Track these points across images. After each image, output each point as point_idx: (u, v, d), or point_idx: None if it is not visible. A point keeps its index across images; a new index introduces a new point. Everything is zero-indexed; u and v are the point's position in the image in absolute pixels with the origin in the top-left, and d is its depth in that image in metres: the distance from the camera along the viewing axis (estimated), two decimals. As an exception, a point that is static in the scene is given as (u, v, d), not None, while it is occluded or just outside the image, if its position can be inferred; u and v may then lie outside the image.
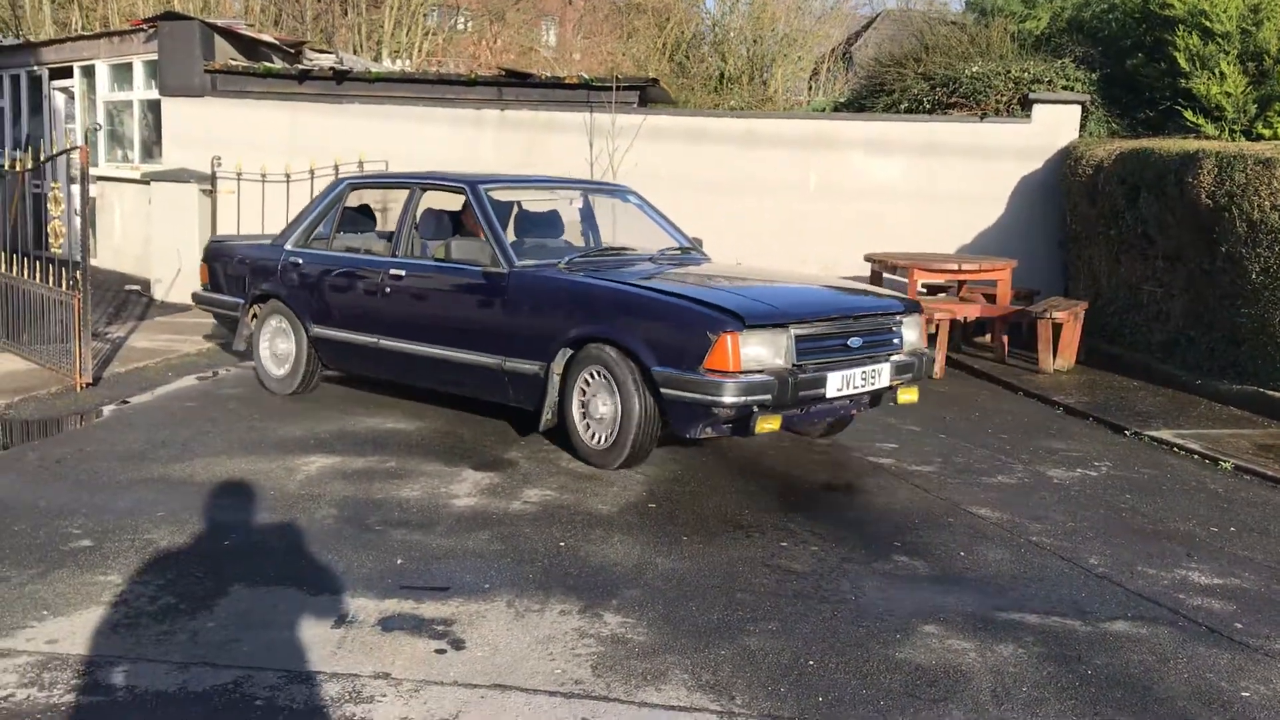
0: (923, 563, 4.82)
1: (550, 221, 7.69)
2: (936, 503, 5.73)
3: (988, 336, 10.76)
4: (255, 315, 8.00)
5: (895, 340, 6.22)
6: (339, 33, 22.27)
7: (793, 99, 23.08)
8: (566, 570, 4.55)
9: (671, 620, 4.07)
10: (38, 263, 8.39)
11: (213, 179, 12.14)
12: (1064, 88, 11.97)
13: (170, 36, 12.53)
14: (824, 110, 17.13)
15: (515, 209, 7.56)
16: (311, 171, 11.97)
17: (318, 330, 7.51)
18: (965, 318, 10.20)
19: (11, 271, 8.70)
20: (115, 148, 14.43)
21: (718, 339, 5.42)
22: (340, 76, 12.58)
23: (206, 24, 12.82)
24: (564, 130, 12.18)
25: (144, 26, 13.39)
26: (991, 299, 10.38)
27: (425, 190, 7.37)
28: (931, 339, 9.84)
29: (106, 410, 7.33)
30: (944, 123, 12.15)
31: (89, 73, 14.44)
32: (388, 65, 18.64)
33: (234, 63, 12.64)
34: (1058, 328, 9.55)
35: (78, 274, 7.76)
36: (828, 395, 5.76)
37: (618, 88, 11.97)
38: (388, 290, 7.05)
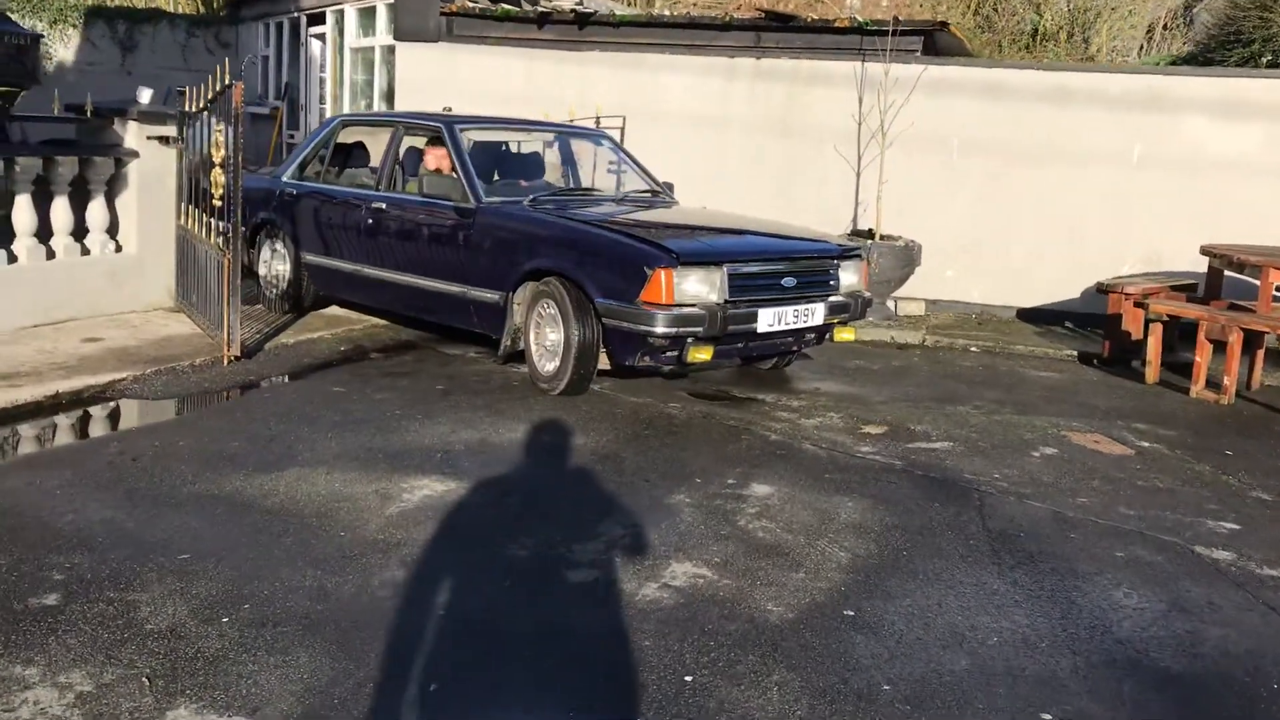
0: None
1: (532, 163, 8.13)
2: (1308, 647, 3.65)
3: (1370, 362, 8.14)
4: (255, 243, 8.46)
5: (831, 282, 6.58)
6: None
7: (1119, 60, 20.00)
8: (678, 736, 2.89)
9: None
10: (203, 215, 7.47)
11: (439, 130, 11.11)
12: None
13: (407, -24, 11.58)
14: (1157, 65, 14.34)
15: (500, 150, 8.14)
16: (545, 126, 10.73)
17: (308, 257, 8.04)
18: (1342, 337, 7.68)
19: (188, 225, 7.85)
20: (360, 97, 13.77)
21: (653, 274, 5.83)
22: (582, 20, 11.24)
23: (446, -38, 11.77)
24: (829, 82, 10.32)
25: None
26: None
27: (408, 129, 7.76)
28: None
29: (236, 392, 6.27)
30: (1323, 79, 9.43)
31: (340, 18, 13.84)
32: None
33: (470, 4, 11.55)
34: None
35: (228, 230, 6.74)
36: (759, 330, 6.16)
37: (895, 32, 9.97)
38: (370, 222, 7.49)
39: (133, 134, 7.95)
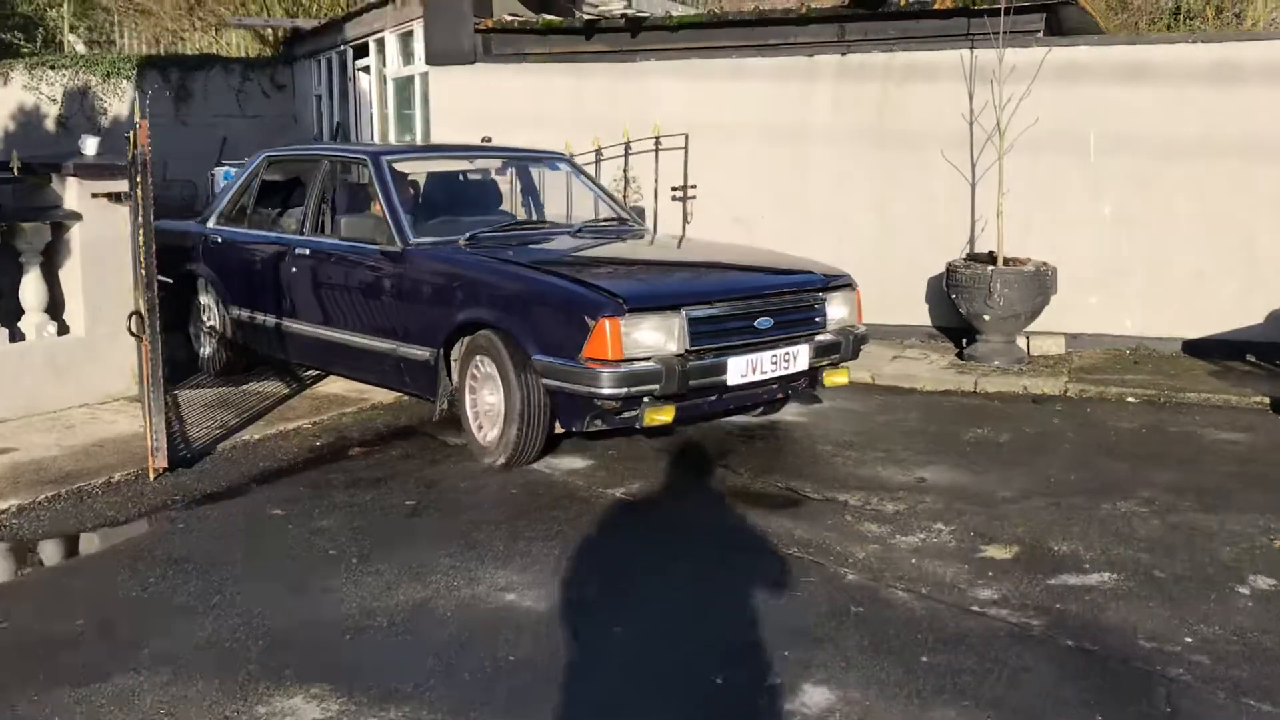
0: None
1: (487, 194, 7.30)
2: None
3: None
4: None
5: (817, 319, 5.74)
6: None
7: None
8: None
9: None
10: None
11: (478, 164, 9.64)
12: None
13: (436, -9, 10.17)
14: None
15: (456, 181, 7.38)
16: (597, 151, 9.17)
17: (235, 311, 7.24)
18: None
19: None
20: (405, 132, 12.43)
21: (596, 324, 5.00)
22: (635, 26, 9.64)
23: (480, -28, 10.32)
24: (930, 76, 8.49)
25: (420, -16, 11.16)
26: None
27: (334, 164, 6.91)
28: None
29: (134, 527, 4.76)
30: None
31: (381, 47, 12.54)
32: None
33: (509, 18, 10.06)
34: None
35: (141, 307, 5.29)
36: (730, 383, 5.31)
37: (1011, 10, 8.07)
38: (294, 270, 6.71)
39: (73, 192, 6.58)
